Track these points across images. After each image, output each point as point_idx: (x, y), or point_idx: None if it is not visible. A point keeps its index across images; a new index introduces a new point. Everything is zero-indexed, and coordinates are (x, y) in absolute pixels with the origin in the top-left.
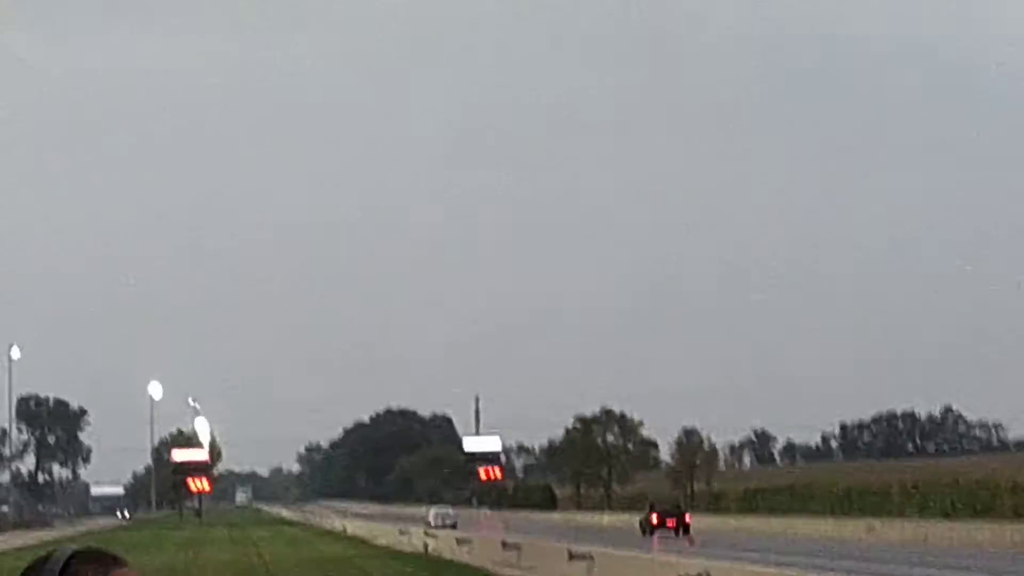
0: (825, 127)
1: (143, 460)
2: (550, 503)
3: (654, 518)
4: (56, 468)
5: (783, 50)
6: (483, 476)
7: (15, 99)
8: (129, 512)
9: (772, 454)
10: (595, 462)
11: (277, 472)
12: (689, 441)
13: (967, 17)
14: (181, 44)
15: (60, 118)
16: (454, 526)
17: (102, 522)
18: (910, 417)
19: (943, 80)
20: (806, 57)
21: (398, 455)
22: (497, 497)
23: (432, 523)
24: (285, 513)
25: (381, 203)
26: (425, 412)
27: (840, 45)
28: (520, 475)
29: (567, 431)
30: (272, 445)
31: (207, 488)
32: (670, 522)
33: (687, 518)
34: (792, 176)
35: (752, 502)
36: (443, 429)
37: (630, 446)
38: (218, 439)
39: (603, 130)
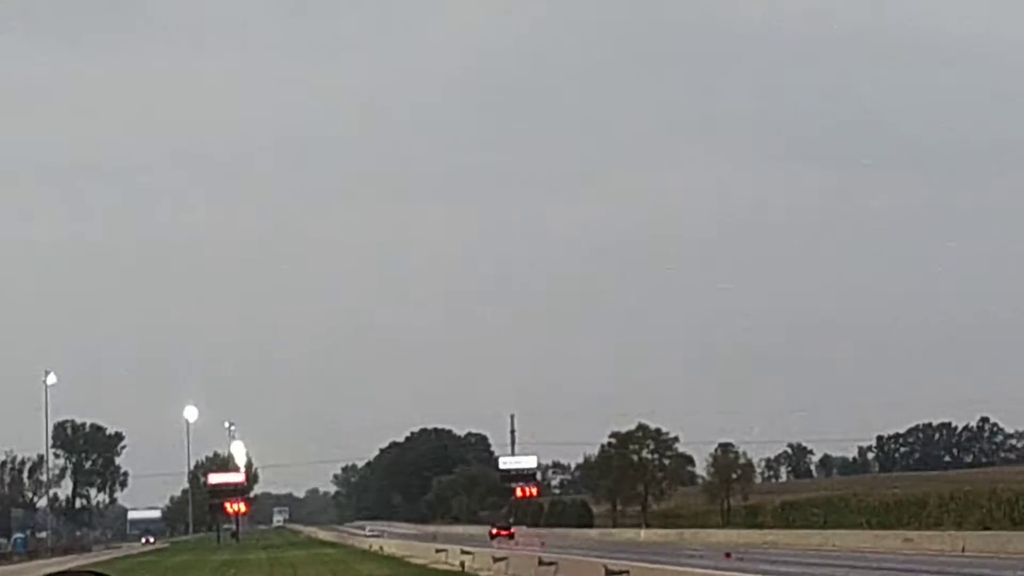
0: None
1: (180, 484)
2: (586, 520)
3: (493, 531)
4: (93, 493)
5: None
6: (519, 494)
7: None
8: (165, 535)
9: (809, 467)
10: (631, 478)
11: (313, 493)
12: (725, 456)
13: None
14: None
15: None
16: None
17: (139, 546)
18: (946, 428)
19: None
20: None
21: (434, 474)
22: (533, 515)
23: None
24: (322, 534)
25: (396, 221)
26: (460, 431)
27: None
28: (556, 492)
29: (602, 447)
30: (308, 467)
31: (244, 511)
32: (504, 532)
33: (512, 531)
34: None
35: (788, 516)
36: (478, 448)
37: (666, 462)
38: (254, 461)
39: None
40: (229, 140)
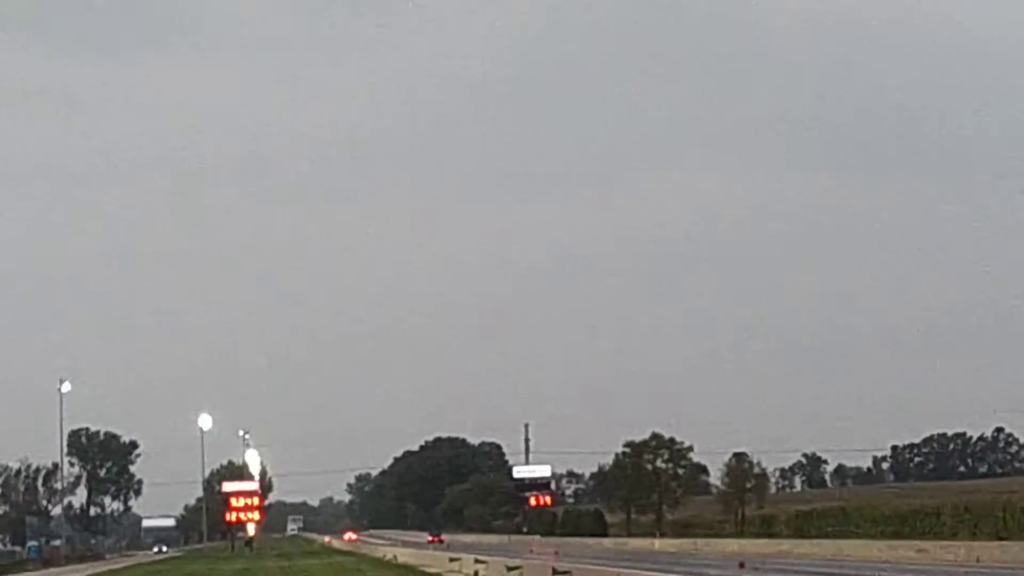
0: None
1: (194, 492)
2: (600, 529)
3: (430, 538)
4: (108, 501)
5: None
6: (533, 503)
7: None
8: (179, 544)
9: (823, 477)
10: (645, 487)
11: (328, 502)
12: (739, 465)
13: None
14: None
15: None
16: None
17: (152, 555)
18: (961, 438)
19: None
20: None
21: (448, 483)
22: (547, 524)
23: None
24: (336, 543)
25: (408, 227)
26: (475, 439)
27: None
28: (570, 501)
29: (617, 457)
30: (322, 475)
31: (258, 519)
32: (437, 539)
33: (442, 537)
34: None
35: (803, 525)
36: (492, 456)
37: (680, 471)
38: (269, 470)
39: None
40: (251, 143)
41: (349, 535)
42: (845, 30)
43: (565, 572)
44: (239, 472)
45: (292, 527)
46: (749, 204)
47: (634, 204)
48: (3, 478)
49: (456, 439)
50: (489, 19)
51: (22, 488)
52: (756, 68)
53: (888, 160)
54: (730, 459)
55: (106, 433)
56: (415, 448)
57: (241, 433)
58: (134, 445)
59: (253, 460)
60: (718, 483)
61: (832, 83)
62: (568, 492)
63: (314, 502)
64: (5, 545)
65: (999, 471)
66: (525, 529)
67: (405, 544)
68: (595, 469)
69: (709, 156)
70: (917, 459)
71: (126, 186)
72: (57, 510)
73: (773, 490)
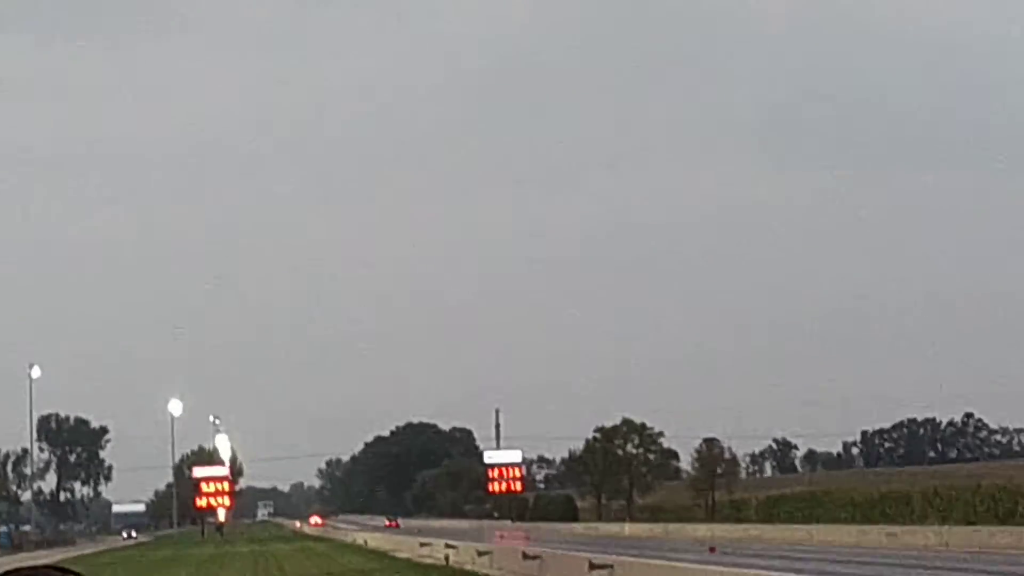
0: None
1: (164, 477)
2: (571, 514)
3: (387, 522)
4: (78, 486)
5: None
6: (503, 489)
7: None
8: (150, 529)
9: (793, 462)
10: (616, 473)
11: (298, 488)
12: (710, 450)
13: None
14: None
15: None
16: None
17: (122, 541)
18: (931, 423)
19: None
20: None
21: (418, 469)
22: (518, 509)
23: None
24: (306, 528)
25: (376, 220)
26: (445, 425)
27: None
28: (541, 487)
29: (587, 442)
30: (293, 461)
31: (228, 504)
32: (393, 524)
33: (398, 523)
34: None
35: (773, 510)
36: (463, 442)
37: (651, 456)
38: (239, 455)
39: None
40: (227, 135)
41: (315, 520)
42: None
43: (535, 556)
44: (209, 457)
45: (263, 512)
46: (719, 197)
47: (602, 196)
48: None
49: (427, 425)
50: (476, 14)
51: None
52: (739, 61)
53: (868, 153)
54: (700, 444)
55: (76, 419)
56: (386, 434)
57: (211, 418)
58: (104, 431)
59: (223, 445)
60: (689, 468)
61: (814, 78)
62: (539, 478)
63: (285, 488)
64: None
65: (969, 456)
66: (496, 514)
67: (372, 529)
68: (566, 455)
69: (684, 150)
70: (887, 444)
71: (99, 172)
72: (27, 495)
73: (743, 475)
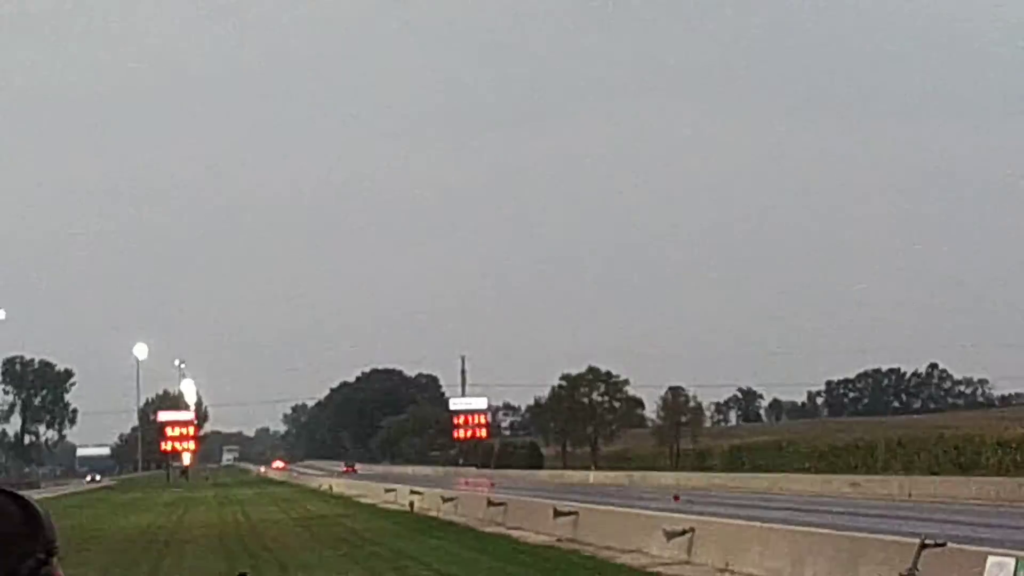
0: None
1: (130, 421)
2: (536, 461)
3: (344, 467)
4: (42, 430)
5: None
6: (469, 435)
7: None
8: (114, 473)
9: (758, 412)
10: (581, 420)
11: (263, 433)
12: (675, 399)
13: None
14: None
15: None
16: None
17: (87, 484)
18: (895, 374)
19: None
20: None
21: (384, 415)
22: (483, 456)
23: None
24: (271, 473)
25: (366, 168)
26: (411, 372)
27: None
28: (506, 434)
29: (553, 389)
30: (258, 406)
31: (193, 449)
32: (350, 470)
33: (356, 467)
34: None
35: (737, 459)
36: (429, 389)
37: (616, 404)
38: (204, 400)
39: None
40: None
41: (277, 464)
42: None
43: (500, 503)
44: (174, 402)
45: (227, 457)
46: (691, 143)
47: (567, 134)
48: None
49: (392, 371)
50: None
51: None
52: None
53: (852, 100)
54: (666, 393)
55: (41, 361)
56: (351, 380)
57: (177, 363)
58: (69, 374)
59: (189, 390)
60: (654, 417)
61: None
62: (504, 425)
63: (250, 432)
64: None
65: (932, 407)
66: (461, 461)
67: (337, 476)
68: (531, 402)
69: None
70: (852, 394)
71: (63, 114)
72: None
73: (708, 424)
